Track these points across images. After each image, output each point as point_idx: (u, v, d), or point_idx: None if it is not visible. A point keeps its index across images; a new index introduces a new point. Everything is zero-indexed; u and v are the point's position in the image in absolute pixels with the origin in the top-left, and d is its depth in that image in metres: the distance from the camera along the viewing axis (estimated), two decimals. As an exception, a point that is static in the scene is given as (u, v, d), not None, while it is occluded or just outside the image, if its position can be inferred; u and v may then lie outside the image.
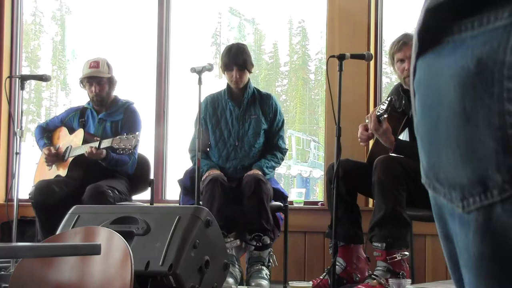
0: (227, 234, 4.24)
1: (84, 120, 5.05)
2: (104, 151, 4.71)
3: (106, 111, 5.02)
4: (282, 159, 4.86)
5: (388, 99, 4.16)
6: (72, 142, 4.96)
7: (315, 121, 8.88)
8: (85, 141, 4.84)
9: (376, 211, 4.04)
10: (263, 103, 4.80)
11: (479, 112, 0.59)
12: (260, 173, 4.59)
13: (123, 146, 4.55)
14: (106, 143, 4.65)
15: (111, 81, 5.01)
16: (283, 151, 4.84)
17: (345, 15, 5.26)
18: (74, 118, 5.10)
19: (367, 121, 4.15)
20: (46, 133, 5.13)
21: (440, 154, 0.63)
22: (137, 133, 4.65)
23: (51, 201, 4.59)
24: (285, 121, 4.94)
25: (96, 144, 4.70)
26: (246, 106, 4.76)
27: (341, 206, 4.08)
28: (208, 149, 4.84)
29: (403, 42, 4.22)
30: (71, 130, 5.04)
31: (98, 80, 4.95)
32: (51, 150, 4.95)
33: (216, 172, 4.59)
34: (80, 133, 4.93)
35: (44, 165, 5.02)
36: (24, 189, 4.96)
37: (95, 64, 4.98)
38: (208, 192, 4.36)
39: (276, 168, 4.84)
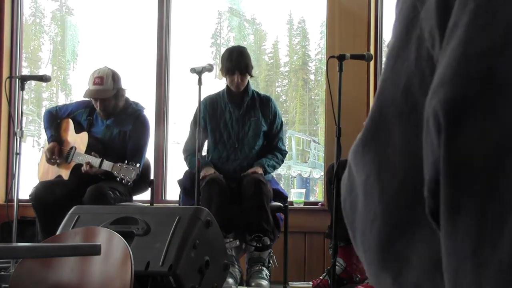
0: (226, 235, 4.24)
1: (92, 119, 4.97)
2: (103, 171, 4.67)
3: (114, 118, 4.90)
4: (282, 161, 4.87)
5: None
6: (76, 143, 4.91)
7: (315, 122, 8.88)
8: (89, 148, 4.79)
9: (376, 212, 4.04)
10: (263, 106, 4.81)
11: None
12: (261, 171, 4.60)
13: (122, 176, 4.50)
14: (106, 166, 4.60)
15: (117, 95, 4.84)
16: (283, 153, 4.86)
17: (345, 15, 5.26)
18: (83, 114, 5.01)
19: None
20: (55, 121, 5.05)
21: None
22: (137, 165, 4.56)
23: (52, 202, 4.58)
24: (283, 123, 4.97)
25: (97, 162, 4.65)
26: (246, 108, 4.77)
27: (341, 206, 4.07)
28: (204, 150, 4.84)
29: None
30: (78, 127, 4.96)
31: (102, 99, 4.80)
32: (54, 153, 4.90)
33: (211, 171, 4.60)
34: (85, 137, 4.86)
35: (46, 163, 5.00)
36: (24, 189, 4.96)
37: (99, 81, 4.78)
38: (206, 193, 4.37)
39: (276, 169, 4.85)
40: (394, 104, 0.61)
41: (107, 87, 4.78)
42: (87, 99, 4.97)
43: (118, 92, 4.84)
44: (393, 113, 0.62)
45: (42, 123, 5.19)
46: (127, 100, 4.96)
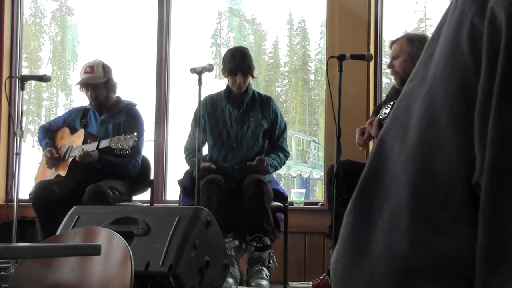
0: (226, 235, 4.24)
1: (85, 120, 5.04)
2: (96, 153, 4.70)
3: (107, 112, 4.99)
4: (284, 163, 4.89)
5: (391, 103, 4.15)
6: (73, 142, 4.96)
7: (315, 122, 8.89)
8: (85, 142, 4.84)
9: (376, 212, 4.03)
10: (263, 106, 4.81)
11: None
12: (266, 165, 4.59)
13: (120, 146, 4.54)
14: (104, 143, 4.65)
15: (107, 84, 4.96)
16: (286, 155, 4.87)
17: (345, 15, 5.26)
18: (76, 119, 5.09)
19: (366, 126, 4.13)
20: (49, 133, 5.13)
21: None
22: (135, 133, 4.62)
23: (52, 202, 4.58)
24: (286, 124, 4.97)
25: (94, 145, 4.69)
26: (245, 108, 4.77)
27: (342, 206, 4.07)
28: (205, 150, 4.85)
29: (392, 41, 4.26)
30: (73, 130, 5.04)
31: (93, 86, 4.92)
32: (53, 153, 4.93)
33: (206, 164, 4.60)
34: (81, 134, 4.93)
35: (46, 166, 5.02)
36: (24, 189, 4.96)
37: (90, 69, 4.94)
38: (205, 193, 4.37)
39: (277, 170, 4.85)
40: (447, 107, 0.61)
41: (97, 75, 4.94)
42: (78, 105, 5.05)
43: (108, 81, 4.97)
44: (446, 117, 0.61)
45: (37, 137, 5.26)
46: (118, 97, 5.07)
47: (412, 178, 0.60)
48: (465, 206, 0.57)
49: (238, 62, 4.65)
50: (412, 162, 0.61)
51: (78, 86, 5.01)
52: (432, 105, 0.62)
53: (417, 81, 0.65)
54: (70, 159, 4.87)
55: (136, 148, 4.80)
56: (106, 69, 4.98)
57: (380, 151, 0.65)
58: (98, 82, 4.92)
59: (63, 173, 4.88)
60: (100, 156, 4.73)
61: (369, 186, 0.65)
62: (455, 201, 0.58)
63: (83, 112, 5.08)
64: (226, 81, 4.80)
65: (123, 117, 4.97)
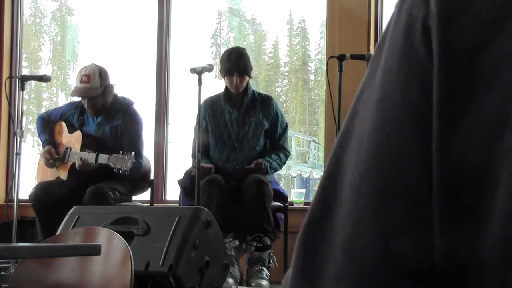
0: (226, 235, 4.24)
1: (83, 118, 4.98)
2: (98, 165, 4.67)
3: (104, 115, 4.91)
4: (285, 163, 4.87)
5: None
6: (71, 143, 4.92)
7: (315, 122, 8.88)
8: (83, 145, 4.80)
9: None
10: (264, 105, 4.80)
11: None
12: (264, 167, 4.58)
13: (119, 166, 4.49)
14: (102, 159, 4.60)
15: (105, 92, 4.83)
16: (287, 154, 4.85)
17: (345, 15, 5.26)
18: (74, 115, 5.02)
19: None
20: (48, 125, 5.07)
21: None
22: (132, 153, 4.55)
23: (51, 202, 4.58)
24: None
25: (93, 157, 4.65)
26: (246, 108, 4.76)
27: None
28: (207, 150, 4.84)
29: None
30: (71, 128, 4.98)
31: (89, 97, 4.81)
32: (52, 154, 4.90)
33: (207, 165, 4.59)
34: (79, 136, 4.87)
35: (45, 165, 5.01)
36: (24, 190, 4.96)
37: (86, 79, 4.78)
38: (205, 193, 4.37)
39: (277, 171, 4.84)
40: (410, 111, 0.59)
41: (94, 84, 4.78)
42: (77, 99, 4.99)
43: (105, 89, 4.84)
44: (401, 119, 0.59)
45: (36, 128, 5.22)
46: (115, 96, 4.95)
47: (375, 187, 0.59)
48: (430, 208, 0.57)
49: (234, 62, 4.63)
50: (374, 173, 0.59)
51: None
52: (389, 112, 0.60)
53: (366, 94, 0.63)
54: (70, 163, 4.85)
55: (137, 150, 4.77)
56: (102, 76, 4.82)
57: (336, 168, 0.63)
58: (94, 94, 4.79)
59: (63, 176, 4.86)
60: (101, 164, 4.69)
61: (325, 204, 0.63)
62: (422, 204, 0.57)
63: (80, 110, 5.02)
64: (225, 82, 4.80)
65: (120, 120, 4.88)
